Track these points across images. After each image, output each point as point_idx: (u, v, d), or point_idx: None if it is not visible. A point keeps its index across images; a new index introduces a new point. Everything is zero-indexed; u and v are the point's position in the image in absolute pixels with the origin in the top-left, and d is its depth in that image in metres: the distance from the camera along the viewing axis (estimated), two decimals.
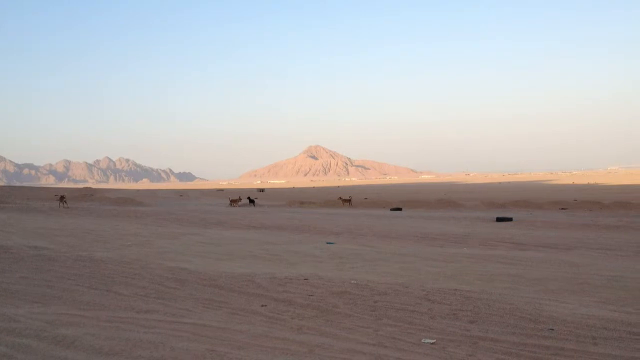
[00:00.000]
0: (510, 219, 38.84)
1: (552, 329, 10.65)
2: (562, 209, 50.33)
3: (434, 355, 9.42)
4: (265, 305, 13.07)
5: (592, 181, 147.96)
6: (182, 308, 13.02)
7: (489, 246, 25.31)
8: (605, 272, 17.83)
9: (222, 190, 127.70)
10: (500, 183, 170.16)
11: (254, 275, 17.15)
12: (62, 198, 60.73)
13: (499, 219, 38.83)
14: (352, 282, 15.99)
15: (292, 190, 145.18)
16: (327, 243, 26.56)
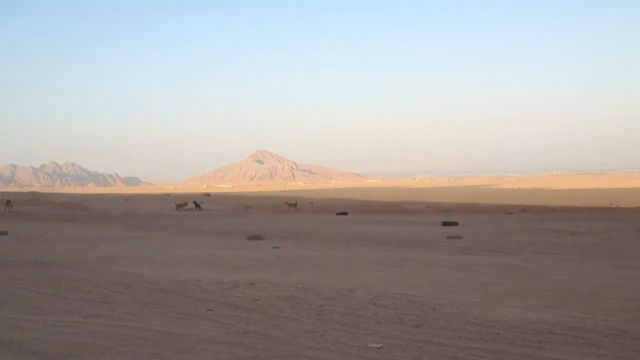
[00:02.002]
0: (456, 223, 39.12)
1: (498, 333, 10.71)
2: (509, 213, 50.70)
3: (379, 359, 9.43)
4: (212, 310, 13.01)
5: (537, 185, 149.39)
6: (128, 312, 12.89)
7: (435, 250, 25.46)
8: (551, 276, 18.04)
9: (168, 194, 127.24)
10: (446, 187, 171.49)
11: (200, 280, 17.08)
12: (8, 202, 60.24)
13: (445, 223, 39.10)
14: (299, 286, 15.99)
15: (239, 194, 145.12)
16: (274, 247, 26.55)
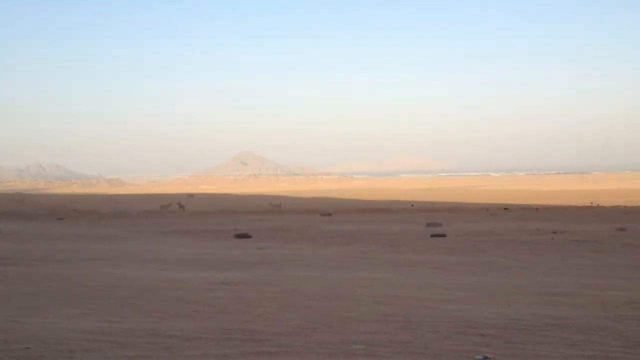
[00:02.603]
0: (440, 224, 39.22)
1: (482, 334, 10.70)
2: (492, 214, 50.61)
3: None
4: (197, 311, 13.06)
5: (521, 184, 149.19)
6: (116, 311, 12.89)
7: (419, 249, 25.57)
8: (533, 274, 18.15)
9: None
10: (431, 187, 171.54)
11: (187, 280, 17.11)
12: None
13: (428, 224, 39.21)
14: (285, 285, 16.06)
15: (223, 195, 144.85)
16: (259, 247, 26.60)
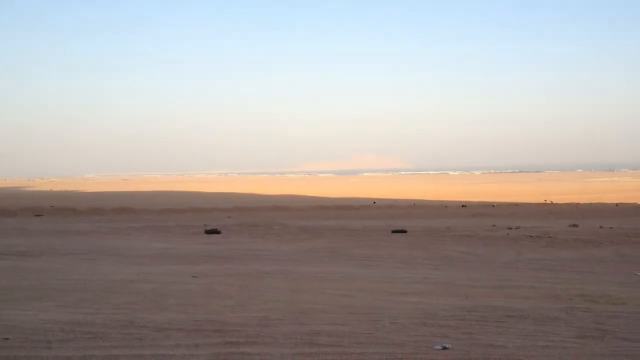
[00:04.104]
0: (402, 224, 39.24)
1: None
2: (37, 215, 48.74)
3: (327, 343, 9.54)
4: (168, 303, 13.08)
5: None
6: (93, 303, 12.96)
7: (381, 243, 25.60)
8: (488, 266, 18.32)
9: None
10: (392, 185, 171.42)
11: (160, 273, 17.08)
12: None
13: (393, 230, 39.21)
14: (254, 277, 16.11)
15: (194, 193, 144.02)
16: (230, 241, 26.56)
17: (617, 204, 54.20)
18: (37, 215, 46.55)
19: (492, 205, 56.65)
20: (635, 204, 53.62)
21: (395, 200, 69.25)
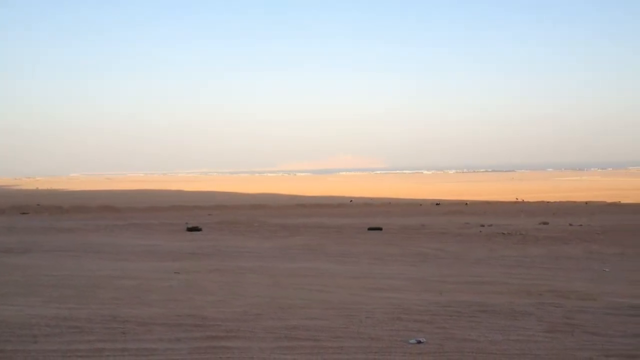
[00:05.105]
0: (377, 221, 39.26)
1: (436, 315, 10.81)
2: (23, 213, 48.41)
3: (304, 337, 9.58)
4: (151, 299, 13.09)
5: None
6: (77, 298, 13.00)
7: (357, 240, 25.64)
8: (462, 262, 18.41)
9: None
10: (368, 184, 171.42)
11: (143, 269, 17.10)
12: None
13: (370, 226, 39.24)
14: (236, 273, 16.13)
15: (175, 192, 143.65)
16: (210, 238, 26.54)
17: (586, 202, 54.45)
18: (23, 214, 46.22)
19: (465, 203, 56.77)
20: (604, 202, 53.86)
21: (371, 198, 69.32)
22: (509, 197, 65.95)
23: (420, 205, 56.11)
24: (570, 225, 31.83)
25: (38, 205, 55.64)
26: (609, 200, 56.01)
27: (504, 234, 27.82)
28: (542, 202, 57.34)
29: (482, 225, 32.08)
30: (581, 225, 31.72)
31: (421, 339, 9.76)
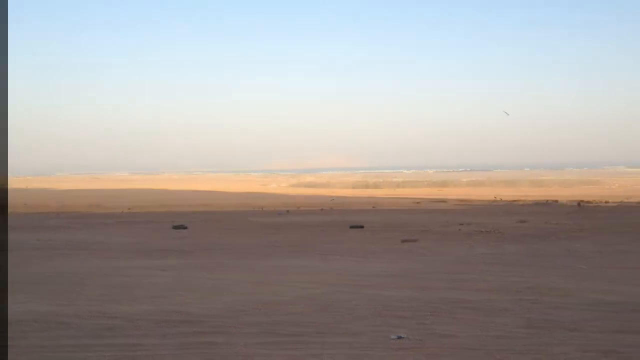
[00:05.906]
0: (359, 220, 39.31)
1: (428, 314, 10.84)
2: (12, 211, 48.17)
3: (288, 334, 9.61)
4: (138, 295, 13.10)
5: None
6: (66, 295, 13.05)
7: (340, 238, 25.70)
8: (444, 259, 18.47)
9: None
10: (351, 183, 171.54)
11: (131, 267, 17.10)
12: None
13: (351, 225, 39.29)
14: (220, 268, 16.14)
15: (159, 191, 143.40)
16: (194, 236, 26.53)
17: (556, 201, 54.68)
18: (12, 212, 46.07)
19: (444, 201, 56.93)
20: (580, 201, 54.03)
21: (352, 197, 69.40)
22: (488, 195, 66.19)
23: (401, 203, 56.24)
24: (547, 223, 31.97)
25: (25, 204, 55.46)
26: (585, 199, 56.19)
27: (483, 232, 27.91)
28: (520, 200, 57.56)
29: (462, 224, 32.16)
30: (557, 223, 31.86)
31: (402, 335, 9.79)
